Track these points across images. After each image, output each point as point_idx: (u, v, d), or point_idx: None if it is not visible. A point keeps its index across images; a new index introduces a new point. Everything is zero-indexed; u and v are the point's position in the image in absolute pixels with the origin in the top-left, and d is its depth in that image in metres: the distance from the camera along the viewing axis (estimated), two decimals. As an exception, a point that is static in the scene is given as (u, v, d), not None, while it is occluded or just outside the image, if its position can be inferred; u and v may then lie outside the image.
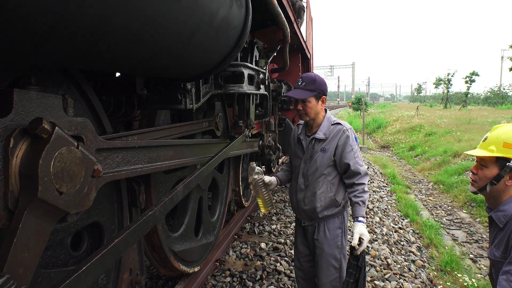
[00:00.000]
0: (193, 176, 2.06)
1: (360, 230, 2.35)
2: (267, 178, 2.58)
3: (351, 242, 2.35)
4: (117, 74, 2.22)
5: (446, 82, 39.19)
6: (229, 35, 1.80)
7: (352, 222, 2.50)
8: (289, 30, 3.68)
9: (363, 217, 2.40)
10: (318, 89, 2.45)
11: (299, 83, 2.47)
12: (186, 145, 2.36)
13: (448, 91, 40.08)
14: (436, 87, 46.07)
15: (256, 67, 3.22)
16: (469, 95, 39.95)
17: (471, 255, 4.93)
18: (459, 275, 4.07)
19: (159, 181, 2.55)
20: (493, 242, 1.87)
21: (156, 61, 1.43)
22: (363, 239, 2.34)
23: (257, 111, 4.18)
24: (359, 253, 2.33)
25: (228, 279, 3.55)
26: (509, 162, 1.76)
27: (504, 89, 44.82)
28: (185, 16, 1.31)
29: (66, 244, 1.68)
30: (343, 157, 2.43)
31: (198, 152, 2.55)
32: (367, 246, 4.35)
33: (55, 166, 1.11)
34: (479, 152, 1.86)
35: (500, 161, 1.79)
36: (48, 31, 0.89)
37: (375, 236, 4.78)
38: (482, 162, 1.87)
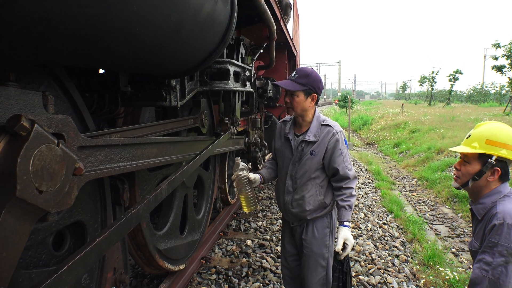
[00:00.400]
0: (178, 173, 2.04)
1: (344, 234, 2.33)
2: (251, 175, 2.48)
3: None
4: (101, 71, 2.19)
5: (431, 80, 39.66)
6: (214, 31, 1.79)
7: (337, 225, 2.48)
8: (275, 27, 3.68)
9: (349, 222, 2.38)
10: (310, 84, 2.31)
11: (293, 74, 2.37)
12: (171, 142, 2.34)
13: (432, 89, 40.56)
14: (420, 84, 46.62)
15: (242, 64, 3.20)
16: (452, 93, 40.54)
17: (453, 249, 5.02)
18: (441, 269, 4.13)
19: (144, 179, 2.52)
20: (474, 234, 1.94)
21: (139, 57, 1.41)
22: (347, 244, 2.32)
23: (243, 108, 4.16)
24: (342, 258, 2.31)
25: (214, 276, 3.54)
26: (491, 159, 1.81)
27: (486, 87, 45.62)
28: (168, 11, 1.29)
29: (48, 244, 1.65)
30: (332, 161, 2.37)
31: (183, 150, 2.53)
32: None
33: (35, 165, 1.09)
34: (463, 148, 1.91)
35: (482, 158, 1.84)
36: (21, 27, 0.87)
37: (360, 231, 4.83)
38: (465, 158, 1.91)
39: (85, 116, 1.75)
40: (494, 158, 1.80)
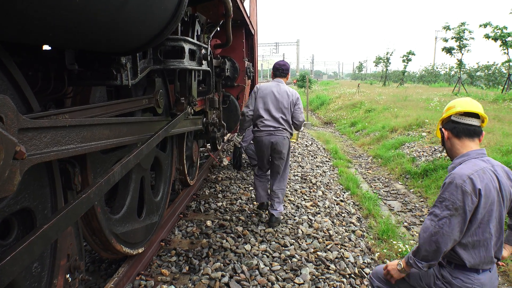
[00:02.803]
0: (131, 155, 1.97)
1: None
2: None
3: None
4: (46, 48, 2.05)
5: (385, 60, 40.70)
6: (165, 6, 1.71)
7: None
8: (231, 4, 3.60)
9: None
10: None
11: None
12: (124, 123, 2.24)
13: (387, 70, 41.68)
14: (376, 65, 47.81)
15: (198, 42, 3.12)
16: (406, 74, 41.86)
17: (405, 223, 5.27)
18: (395, 242, 4.33)
19: (97, 162, 2.42)
20: None
21: (83, 32, 1.33)
22: None
23: (200, 88, 4.08)
24: None
25: (174, 258, 3.52)
26: (440, 128, 2.24)
27: (437, 68, 47.49)
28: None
29: (-8, 233, 1.56)
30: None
31: (137, 131, 2.45)
32: (309, 219, 4.50)
33: (-33, 149, 1.00)
34: (437, 133, 2.37)
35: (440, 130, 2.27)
36: None
37: (318, 209, 4.95)
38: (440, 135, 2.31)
39: (28, 96, 1.64)
40: (440, 123, 2.27)
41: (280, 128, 4.18)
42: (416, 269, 2.10)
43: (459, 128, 2.13)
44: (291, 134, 4.31)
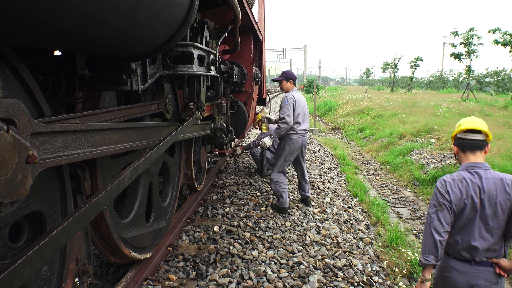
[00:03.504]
0: (141, 160, 1.98)
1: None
2: None
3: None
4: (57, 53, 2.07)
5: (393, 66, 40.61)
6: (175, 12, 1.72)
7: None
8: (240, 10, 3.61)
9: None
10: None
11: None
12: (133, 128, 2.26)
13: (394, 75, 41.58)
14: (383, 71, 47.65)
15: (207, 48, 3.13)
16: (413, 79, 41.72)
17: (414, 231, 5.22)
18: (403, 250, 4.29)
19: (106, 167, 2.44)
20: None
21: (95, 37, 1.34)
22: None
23: (208, 93, 4.10)
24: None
25: (182, 263, 3.52)
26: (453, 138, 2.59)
27: (445, 74, 47.20)
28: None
29: (3, 236, 1.56)
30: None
31: (146, 136, 2.46)
32: (317, 225, 4.49)
33: (-18, 152, 1.01)
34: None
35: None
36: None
37: (326, 215, 4.92)
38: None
39: (39, 101, 1.65)
40: (452, 140, 2.60)
41: (307, 130, 5.13)
42: (426, 264, 2.42)
43: (463, 144, 2.46)
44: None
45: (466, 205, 2.36)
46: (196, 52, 2.80)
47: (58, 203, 1.88)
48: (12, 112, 1.20)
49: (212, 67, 3.28)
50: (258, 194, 5.63)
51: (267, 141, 5.13)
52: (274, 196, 5.32)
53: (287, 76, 5.15)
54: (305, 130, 5.06)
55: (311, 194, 5.77)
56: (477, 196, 2.34)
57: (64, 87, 2.01)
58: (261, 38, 7.18)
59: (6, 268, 1.07)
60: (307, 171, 5.54)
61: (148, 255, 3.14)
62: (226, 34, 4.07)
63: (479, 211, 2.34)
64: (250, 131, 12.42)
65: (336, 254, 3.84)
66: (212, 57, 3.22)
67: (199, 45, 2.90)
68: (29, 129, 1.28)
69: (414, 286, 3.72)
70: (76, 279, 2.05)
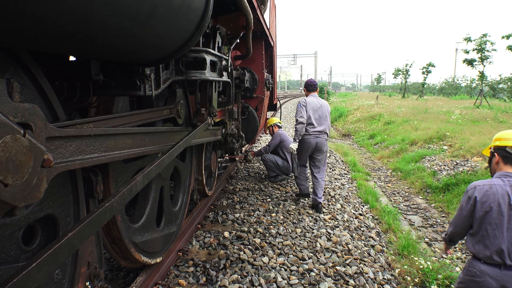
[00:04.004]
0: (153, 165, 1.99)
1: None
2: None
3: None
4: (72, 58, 2.10)
5: (404, 72, 40.37)
6: (189, 18, 1.74)
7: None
8: (252, 16, 3.63)
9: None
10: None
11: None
12: (146, 133, 2.27)
13: (406, 81, 41.31)
14: (395, 77, 47.38)
15: (219, 54, 3.15)
16: (425, 86, 41.35)
17: (426, 239, 5.15)
18: (415, 258, 4.23)
19: (118, 171, 2.45)
20: None
21: (111, 43, 1.35)
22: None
23: (219, 99, 4.11)
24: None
25: (191, 268, 3.51)
26: (491, 149, 2.74)
27: (458, 80, 46.74)
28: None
29: (17, 239, 1.58)
30: None
31: (158, 141, 2.47)
32: (328, 232, 4.45)
33: (-1, 156, 1.02)
34: (484, 151, 2.92)
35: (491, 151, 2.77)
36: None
37: (336, 222, 4.88)
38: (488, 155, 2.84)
39: (54, 105, 1.68)
40: (492, 147, 2.74)
41: (323, 132, 5.42)
42: (444, 240, 2.96)
43: (509, 158, 2.60)
44: (328, 136, 5.68)
45: (492, 209, 2.51)
46: (208, 58, 2.81)
47: (71, 207, 1.90)
48: (28, 116, 1.22)
49: (224, 73, 3.29)
50: (269, 200, 5.61)
51: (293, 145, 5.44)
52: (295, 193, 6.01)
53: (305, 85, 5.83)
54: (320, 131, 5.38)
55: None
56: (505, 202, 2.49)
57: (79, 92, 2.03)
58: (272, 44, 7.19)
59: (21, 271, 1.08)
60: (324, 176, 5.73)
61: (158, 260, 3.14)
62: (238, 40, 4.09)
63: (505, 216, 2.48)
64: (261, 136, 12.42)
65: (347, 262, 3.80)
66: (224, 62, 3.24)
67: (212, 51, 2.91)
68: (44, 133, 1.30)
69: None
70: (87, 283, 2.06)
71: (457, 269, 4.06)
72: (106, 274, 3.51)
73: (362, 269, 3.69)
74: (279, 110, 9.24)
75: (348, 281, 3.40)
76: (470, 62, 24.01)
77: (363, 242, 4.49)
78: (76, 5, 1.01)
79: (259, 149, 6.97)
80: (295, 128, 5.30)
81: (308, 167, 5.71)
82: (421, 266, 4.04)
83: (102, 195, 2.11)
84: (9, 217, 1.42)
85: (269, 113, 11.51)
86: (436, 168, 7.99)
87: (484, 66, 23.47)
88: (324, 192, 6.25)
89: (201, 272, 3.47)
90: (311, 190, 5.72)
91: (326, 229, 4.59)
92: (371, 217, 5.64)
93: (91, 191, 2.04)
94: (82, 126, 1.70)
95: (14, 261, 1.54)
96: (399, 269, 4.00)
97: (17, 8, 0.90)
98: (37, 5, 0.93)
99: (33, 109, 1.24)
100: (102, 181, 2.13)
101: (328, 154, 9.92)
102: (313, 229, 4.56)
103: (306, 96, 5.65)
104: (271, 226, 4.56)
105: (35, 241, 1.73)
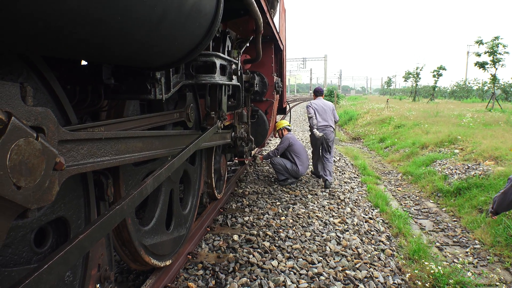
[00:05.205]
0: (163, 168, 2.00)
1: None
2: None
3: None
4: (83, 62, 2.12)
5: (415, 75, 40.11)
6: (200, 23, 1.75)
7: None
8: (262, 20, 3.64)
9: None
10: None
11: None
12: (156, 136, 2.29)
13: (416, 85, 41.01)
14: (405, 80, 47.09)
15: (229, 58, 3.16)
16: (436, 89, 41.05)
17: (437, 243, 5.08)
18: (426, 263, 4.18)
19: (129, 174, 2.47)
20: None
21: (122, 48, 1.37)
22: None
23: (229, 102, 4.13)
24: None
25: (201, 272, 3.52)
26: None
27: (469, 83, 46.33)
28: (153, 1, 1.25)
29: (29, 241, 1.60)
30: None
31: (168, 144, 2.49)
32: (338, 236, 4.43)
33: (12, 159, 1.04)
34: None
35: None
36: None
37: (346, 226, 4.85)
38: None
39: (66, 109, 1.70)
40: None
41: (328, 126, 6.83)
42: (491, 212, 3.80)
43: None
44: (334, 129, 7.44)
45: None
46: (218, 62, 2.83)
47: (82, 209, 1.92)
48: (41, 120, 1.24)
49: (234, 77, 3.30)
50: (278, 203, 5.60)
51: (316, 132, 6.75)
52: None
53: (313, 92, 7.37)
54: (325, 125, 6.85)
55: (331, 204, 5.71)
56: None
57: (90, 96, 2.06)
58: (282, 48, 7.20)
59: (32, 272, 1.09)
60: (332, 160, 7.10)
61: (168, 263, 3.15)
62: (248, 44, 4.10)
63: None
64: (270, 140, 12.41)
65: (357, 266, 3.77)
66: (234, 66, 3.25)
67: (222, 55, 2.92)
68: (57, 137, 1.32)
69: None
70: (98, 285, 2.08)
71: (469, 274, 4.01)
72: (116, 276, 3.54)
73: (372, 273, 3.66)
74: (289, 114, 9.23)
75: (358, 285, 3.38)
76: (482, 65, 23.76)
77: (373, 246, 4.45)
78: (90, 12, 1.03)
79: (267, 152, 7.02)
80: (310, 122, 6.93)
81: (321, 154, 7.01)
82: (432, 271, 3.98)
83: (113, 198, 2.13)
84: (22, 220, 1.43)
85: (279, 117, 11.51)
86: (447, 172, 7.90)
87: (496, 69, 23.23)
88: (334, 195, 6.24)
89: (210, 275, 3.47)
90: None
91: (335, 232, 4.57)
92: (381, 221, 5.59)
93: (102, 194, 2.06)
94: (93, 130, 1.72)
95: (26, 262, 1.56)
96: (409, 274, 3.96)
97: (34, 16, 0.91)
98: (53, 13, 0.95)
99: (46, 113, 1.26)
100: (113, 184, 2.15)
101: (337, 158, 9.89)
102: (322, 233, 4.54)
103: (314, 99, 7.22)
104: (281, 230, 4.55)
105: (47, 243, 1.75)
